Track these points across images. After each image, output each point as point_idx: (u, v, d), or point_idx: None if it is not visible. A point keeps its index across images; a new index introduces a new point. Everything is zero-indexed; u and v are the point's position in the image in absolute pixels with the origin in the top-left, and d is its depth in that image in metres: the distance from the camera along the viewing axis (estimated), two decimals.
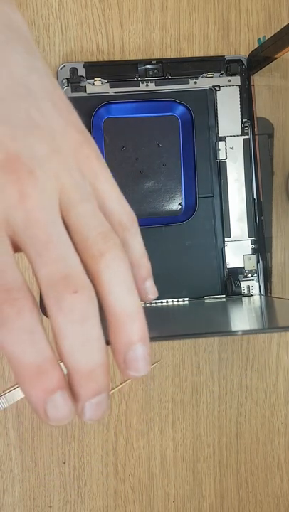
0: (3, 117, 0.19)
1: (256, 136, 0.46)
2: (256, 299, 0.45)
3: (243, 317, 0.30)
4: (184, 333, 0.25)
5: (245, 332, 0.25)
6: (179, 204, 0.46)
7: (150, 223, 0.45)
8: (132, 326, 0.20)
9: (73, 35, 0.46)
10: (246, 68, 0.46)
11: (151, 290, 0.25)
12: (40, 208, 0.19)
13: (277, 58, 0.41)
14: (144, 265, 0.24)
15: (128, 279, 0.20)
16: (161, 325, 0.27)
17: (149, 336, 0.20)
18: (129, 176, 0.45)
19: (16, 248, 0.19)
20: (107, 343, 0.20)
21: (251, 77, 0.46)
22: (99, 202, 0.21)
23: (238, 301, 0.44)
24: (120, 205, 0.22)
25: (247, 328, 0.26)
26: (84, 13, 0.46)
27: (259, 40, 0.48)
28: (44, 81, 0.20)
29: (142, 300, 0.24)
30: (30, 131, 0.19)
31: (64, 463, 0.47)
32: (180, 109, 0.45)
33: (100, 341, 0.19)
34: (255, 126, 0.46)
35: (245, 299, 0.45)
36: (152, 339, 0.20)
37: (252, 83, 0.46)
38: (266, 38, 0.42)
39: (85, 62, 0.44)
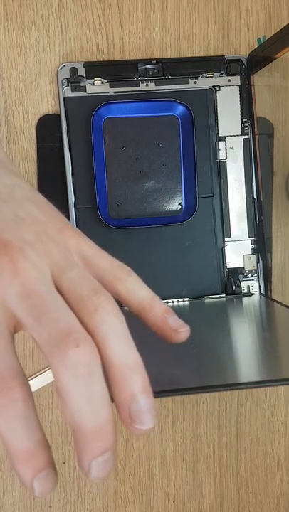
0: None
1: (256, 136, 0.46)
2: (256, 301, 0.45)
3: (248, 359, 0.30)
4: (186, 386, 0.25)
5: (250, 385, 0.25)
6: (179, 204, 0.46)
7: (150, 223, 0.45)
8: (134, 379, 0.20)
9: (73, 35, 0.46)
10: (246, 68, 0.46)
11: (176, 325, 0.23)
12: (33, 278, 0.20)
13: (277, 58, 0.41)
14: (158, 304, 0.23)
15: (125, 331, 0.21)
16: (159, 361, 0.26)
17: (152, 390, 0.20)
18: (129, 175, 0.45)
19: (16, 328, 0.21)
20: (111, 399, 0.20)
21: (251, 76, 0.46)
22: (91, 267, 0.23)
23: (239, 307, 0.44)
24: (110, 262, 0.24)
25: (255, 379, 0.25)
26: (84, 13, 0.46)
27: (259, 39, 0.48)
28: (26, 192, 0.24)
29: (174, 341, 0.23)
30: (18, 224, 0.22)
31: (64, 463, 0.47)
32: (180, 109, 0.45)
33: (106, 397, 0.19)
34: (255, 126, 0.46)
35: (245, 301, 0.45)
36: (155, 395, 0.20)
37: (252, 83, 0.46)
38: (266, 38, 0.42)
39: (84, 62, 0.44)
